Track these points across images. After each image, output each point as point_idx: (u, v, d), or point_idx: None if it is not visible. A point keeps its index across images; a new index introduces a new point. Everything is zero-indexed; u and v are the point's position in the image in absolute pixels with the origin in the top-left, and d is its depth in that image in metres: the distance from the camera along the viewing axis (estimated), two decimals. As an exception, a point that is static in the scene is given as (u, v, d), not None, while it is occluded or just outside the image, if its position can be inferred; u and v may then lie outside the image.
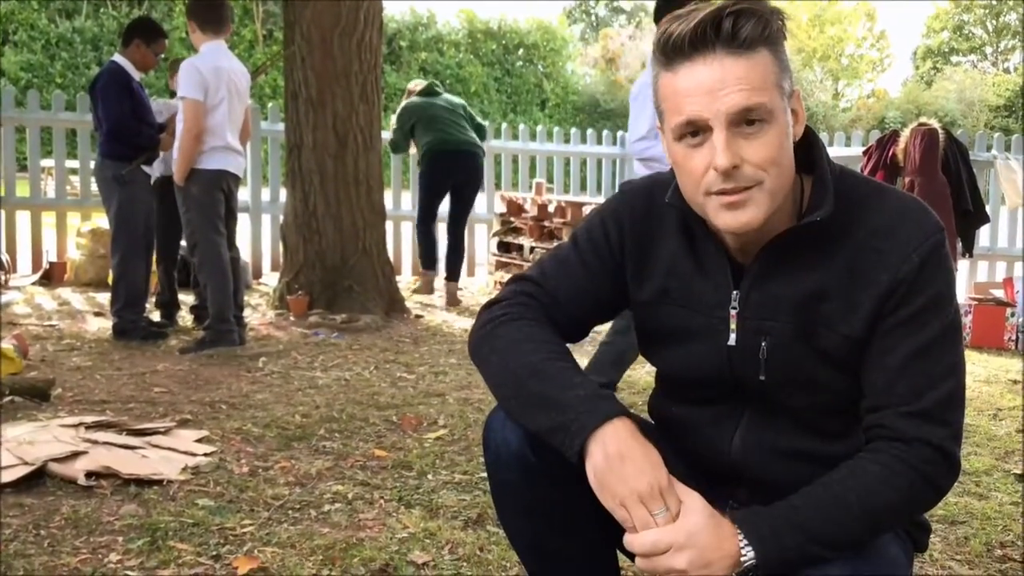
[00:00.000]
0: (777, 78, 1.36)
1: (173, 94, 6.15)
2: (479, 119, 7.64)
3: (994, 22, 42.99)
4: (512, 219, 8.12)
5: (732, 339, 1.50)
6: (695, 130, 1.37)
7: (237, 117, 5.29)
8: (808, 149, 1.47)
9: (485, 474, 1.60)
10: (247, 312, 6.05)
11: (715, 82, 1.34)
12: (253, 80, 5.59)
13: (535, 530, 1.57)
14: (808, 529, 1.33)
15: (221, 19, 5.26)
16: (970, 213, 6.99)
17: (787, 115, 1.39)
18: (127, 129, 5.31)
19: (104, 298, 6.32)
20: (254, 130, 8.17)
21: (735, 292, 1.49)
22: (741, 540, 1.33)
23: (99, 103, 5.37)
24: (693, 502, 1.35)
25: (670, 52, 1.37)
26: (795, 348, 1.46)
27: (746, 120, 1.34)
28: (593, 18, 46.47)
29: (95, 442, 3.22)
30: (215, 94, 5.11)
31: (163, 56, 5.74)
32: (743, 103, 1.33)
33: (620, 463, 1.35)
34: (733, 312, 1.49)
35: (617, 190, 1.69)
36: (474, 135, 7.40)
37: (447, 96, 7.63)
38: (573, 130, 10.13)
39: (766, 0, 1.38)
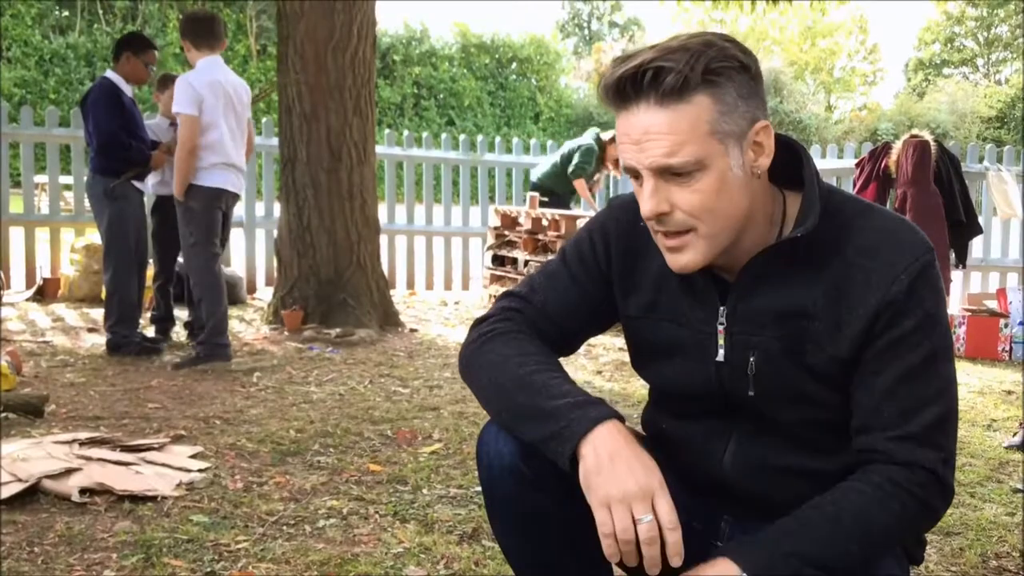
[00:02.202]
0: (714, 124, 1.33)
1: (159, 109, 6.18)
2: (570, 157, 8.38)
3: (985, 34, 43.21)
4: (506, 232, 8.12)
5: (720, 355, 1.50)
6: (635, 174, 1.39)
7: (238, 132, 5.28)
8: (796, 166, 1.47)
9: (480, 488, 1.60)
10: (242, 327, 6.04)
11: (640, 134, 1.34)
12: (252, 104, 5.60)
13: (529, 542, 1.57)
14: (803, 554, 1.33)
15: (215, 34, 5.25)
16: (963, 224, 7.02)
17: (728, 157, 1.35)
18: (117, 144, 5.30)
19: (98, 314, 6.31)
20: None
21: (721, 307, 1.49)
22: (740, 573, 1.32)
23: (89, 118, 5.37)
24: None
25: (607, 99, 1.38)
26: (783, 364, 1.46)
27: (671, 171, 1.35)
28: (586, 32, 46.60)
29: (89, 458, 3.21)
30: (212, 109, 5.09)
31: (155, 68, 5.73)
32: (662, 161, 1.34)
33: (610, 463, 1.35)
34: (720, 327, 1.50)
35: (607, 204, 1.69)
36: (545, 169, 8.57)
37: (578, 138, 8.62)
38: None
39: (718, 36, 1.35)
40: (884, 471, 1.37)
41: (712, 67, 1.32)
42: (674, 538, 1.32)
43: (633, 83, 1.33)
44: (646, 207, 1.37)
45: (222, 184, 5.18)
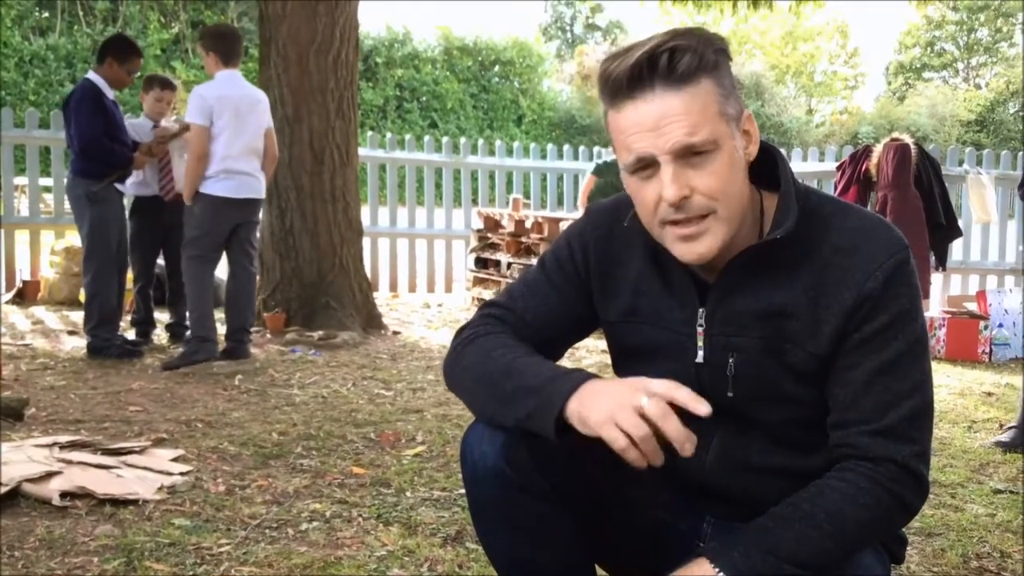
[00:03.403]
0: (720, 106, 1.37)
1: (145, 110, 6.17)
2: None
3: (965, 38, 43.52)
4: (489, 235, 8.13)
5: (700, 356, 1.51)
6: (645, 165, 1.38)
7: (242, 142, 5.25)
8: (771, 167, 1.48)
9: (464, 490, 1.59)
10: (222, 328, 6.00)
11: (657, 119, 1.35)
12: None
13: (513, 544, 1.56)
14: (780, 552, 1.34)
15: (235, 53, 5.35)
16: (943, 227, 7.07)
17: (735, 139, 1.39)
18: (98, 147, 5.29)
19: (78, 316, 6.27)
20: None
21: (701, 309, 1.50)
22: (717, 573, 1.33)
23: (71, 120, 5.35)
24: None
25: (612, 92, 1.38)
26: (763, 364, 1.46)
27: (691, 152, 1.35)
28: (569, 35, 46.67)
29: (70, 462, 3.19)
30: (219, 121, 5.16)
31: (138, 74, 5.72)
32: (685, 140, 1.34)
33: (597, 395, 1.34)
34: (700, 329, 1.50)
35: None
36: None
37: None
38: (549, 146, 10.19)
39: (703, 28, 1.39)
40: (859, 466, 1.38)
41: (712, 55, 1.36)
42: (684, 396, 1.31)
43: (644, 71, 1.34)
44: (670, 192, 1.36)
45: (223, 192, 5.21)
